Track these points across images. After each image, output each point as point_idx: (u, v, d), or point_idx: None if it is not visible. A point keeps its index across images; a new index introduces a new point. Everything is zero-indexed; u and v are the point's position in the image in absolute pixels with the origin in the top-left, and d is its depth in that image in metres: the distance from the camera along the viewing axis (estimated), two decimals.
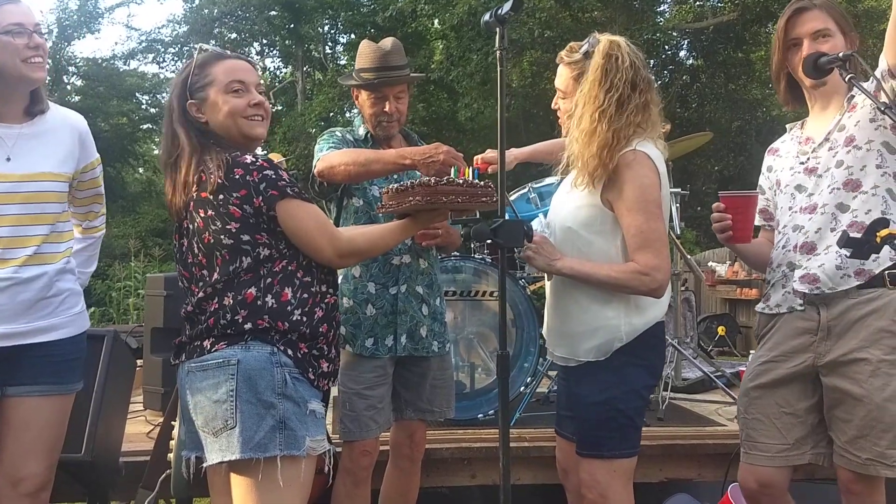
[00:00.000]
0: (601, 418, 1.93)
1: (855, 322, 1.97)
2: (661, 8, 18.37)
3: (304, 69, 19.46)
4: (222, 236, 1.74)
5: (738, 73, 17.48)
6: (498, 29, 1.84)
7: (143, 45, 18.58)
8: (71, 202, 2.25)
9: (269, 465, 1.68)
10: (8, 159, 2.00)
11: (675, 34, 17.08)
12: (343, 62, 20.00)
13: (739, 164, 15.54)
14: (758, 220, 2.26)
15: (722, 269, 9.97)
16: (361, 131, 2.45)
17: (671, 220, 3.84)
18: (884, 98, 1.95)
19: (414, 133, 2.59)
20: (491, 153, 2.70)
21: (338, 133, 2.42)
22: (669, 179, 3.90)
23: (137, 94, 19.79)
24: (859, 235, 1.71)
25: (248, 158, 1.76)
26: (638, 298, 1.94)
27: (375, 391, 2.29)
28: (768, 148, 2.34)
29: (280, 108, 20.65)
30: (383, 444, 2.48)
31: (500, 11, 1.83)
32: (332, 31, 19.78)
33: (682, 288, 4.54)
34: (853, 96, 2.07)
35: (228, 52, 1.92)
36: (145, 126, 20.21)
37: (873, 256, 1.89)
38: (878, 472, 1.96)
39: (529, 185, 3.42)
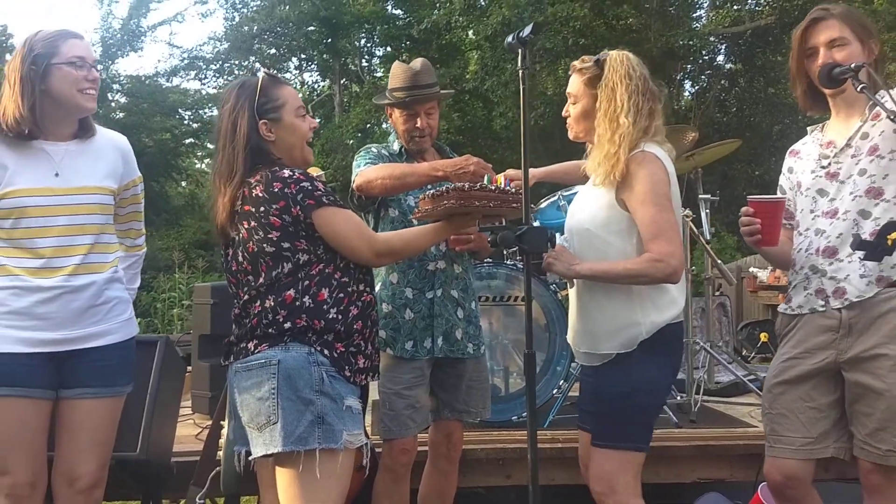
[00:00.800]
0: (619, 411, 2.03)
1: (875, 319, 2.02)
2: (698, 13, 18.25)
3: (342, 82, 19.77)
4: (265, 245, 1.88)
5: (777, 77, 17.25)
6: (520, 50, 1.95)
7: (185, 62, 19.04)
8: (114, 220, 2.35)
9: (309, 457, 1.80)
10: (56, 175, 2.14)
11: (712, 39, 16.94)
12: (379, 74, 20.24)
13: (780, 169, 15.36)
14: None
15: (763, 275, 9.86)
16: (396, 146, 2.58)
17: (700, 225, 3.89)
18: None
19: (446, 146, 2.71)
20: (513, 172, 2.80)
21: (373, 149, 2.55)
22: (699, 186, 3.98)
23: (180, 110, 20.25)
24: (872, 238, 1.77)
25: (286, 172, 1.89)
26: (655, 297, 2.02)
27: (414, 391, 2.40)
28: (789, 149, 2.40)
29: (318, 120, 20.92)
30: (422, 446, 2.57)
31: (521, 34, 1.95)
32: (369, 45, 20.07)
33: (717, 293, 4.56)
34: (875, 104, 2.12)
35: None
36: (188, 141, 20.66)
37: (892, 263, 1.95)
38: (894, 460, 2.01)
39: (560, 192, 3.50)
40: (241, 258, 1.93)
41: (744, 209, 2.20)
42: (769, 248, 2.23)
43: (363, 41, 19.69)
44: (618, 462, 2.02)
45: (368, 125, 17.58)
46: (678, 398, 3.57)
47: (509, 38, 2.00)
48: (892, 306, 2.00)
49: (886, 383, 1.99)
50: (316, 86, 22.18)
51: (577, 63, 2.18)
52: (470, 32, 16.53)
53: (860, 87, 1.95)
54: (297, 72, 21.41)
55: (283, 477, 1.85)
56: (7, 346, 2.06)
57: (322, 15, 17.62)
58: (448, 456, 2.57)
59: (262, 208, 1.87)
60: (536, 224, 3.46)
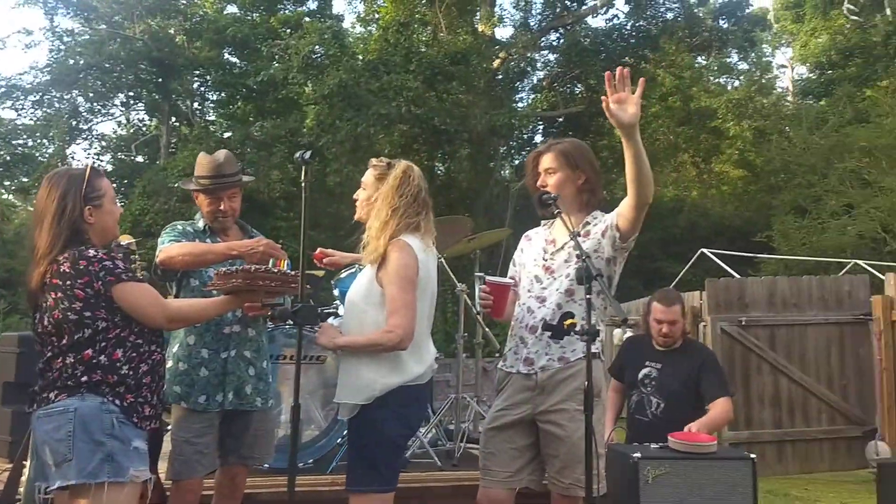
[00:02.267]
0: (359, 459, 2.49)
1: (559, 383, 2.70)
2: (520, 95, 19.96)
3: (171, 122, 19.45)
4: (69, 313, 2.24)
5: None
6: (303, 168, 2.47)
7: (2, 90, 17.95)
8: None
9: (99, 489, 2.16)
10: None
11: (530, 119, 18.55)
12: (212, 118, 20.13)
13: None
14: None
15: None
16: (200, 224, 2.99)
17: (473, 298, 4.55)
18: (606, 235, 2.70)
19: (247, 224, 3.14)
20: (330, 251, 3.29)
21: (179, 227, 2.94)
22: (476, 264, 4.67)
23: None
24: (555, 323, 2.44)
25: (91, 252, 2.28)
26: (391, 363, 2.49)
27: (203, 439, 2.77)
28: (525, 233, 3.05)
29: (142, 160, 20.36)
30: (208, 490, 2.91)
31: (304, 156, 2.48)
32: (202, 89, 19.95)
33: (497, 354, 5.26)
34: (588, 223, 2.81)
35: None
36: None
37: (572, 348, 2.63)
38: (576, 493, 2.64)
39: (358, 264, 4.02)
40: (46, 322, 2.27)
41: (481, 286, 2.83)
42: (497, 317, 2.86)
43: (196, 84, 19.55)
44: (365, 502, 2.48)
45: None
46: (446, 445, 4.14)
47: (297, 155, 2.51)
48: (570, 374, 2.68)
49: (566, 431, 2.65)
50: (142, 124, 21.60)
51: (373, 161, 2.71)
52: (308, 86, 16.94)
53: (556, 212, 2.65)
54: (124, 108, 20.79)
55: None
56: None
57: (154, 55, 17.36)
58: (231, 496, 2.94)
59: (68, 282, 2.23)
60: (335, 291, 3.96)
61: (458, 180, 19.44)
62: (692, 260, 13.62)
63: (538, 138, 19.95)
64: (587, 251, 2.66)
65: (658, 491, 2.93)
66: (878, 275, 9.06)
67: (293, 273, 2.51)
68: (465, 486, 3.62)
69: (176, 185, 16.35)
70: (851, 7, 19.23)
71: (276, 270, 2.46)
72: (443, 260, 4.08)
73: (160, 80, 18.12)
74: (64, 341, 2.24)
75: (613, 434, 3.88)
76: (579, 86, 19.42)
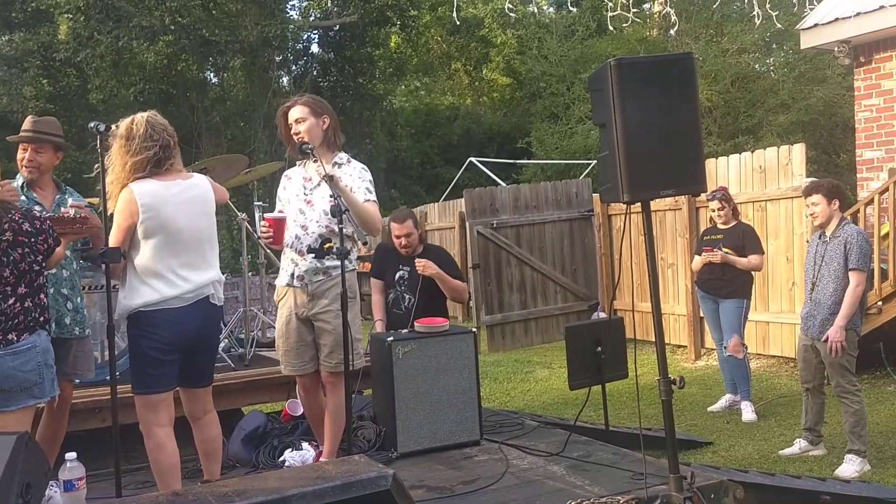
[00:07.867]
0: (130, 368, 3.07)
1: (325, 291, 3.49)
2: (292, 3, 19.66)
3: None
4: (34, 265, 2.74)
5: (363, 69, 19.47)
6: (98, 137, 2.94)
7: None
8: None
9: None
10: None
11: (303, 30, 18.47)
12: None
13: (368, 151, 17.52)
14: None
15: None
16: (19, 181, 3.39)
17: (254, 224, 5.21)
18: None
19: (61, 182, 3.59)
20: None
21: None
22: (255, 194, 5.28)
23: None
24: (317, 247, 3.22)
25: (35, 213, 2.82)
26: (128, 289, 3.00)
27: None
28: (285, 172, 3.73)
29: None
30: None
31: (99, 127, 2.92)
32: None
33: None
34: (337, 163, 3.54)
35: None
36: None
37: (333, 265, 3.40)
38: (340, 369, 3.43)
39: None
40: (7, 273, 2.69)
41: (262, 221, 3.50)
42: (277, 245, 3.57)
43: None
44: (138, 403, 3.05)
45: None
46: (239, 350, 4.86)
47: (91, 125, 2.96)
48: (332, 284, 3.45)
49: (332, 325, 3.46)
50: None
51: (112, 131, 3.04)
52: None
53: (313, 159, 3.38)
54: None
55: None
56: None
57: None
58: (60, 406, 3.44)
59: (31, 239, 2.73)
60: None
61: (235, 92, 19.12)
62: (463, 167, 14.93)
63: (315, 48, 19.96)
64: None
65: (406, 363, 3.83)
66: None
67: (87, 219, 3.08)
68: (256, 381, 4.41)
69: None
70: None
71: (80, 217, 3.01)
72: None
73: None
74: (21, 289, 2.70)
75: (380, 325, 4.80)
76: None
